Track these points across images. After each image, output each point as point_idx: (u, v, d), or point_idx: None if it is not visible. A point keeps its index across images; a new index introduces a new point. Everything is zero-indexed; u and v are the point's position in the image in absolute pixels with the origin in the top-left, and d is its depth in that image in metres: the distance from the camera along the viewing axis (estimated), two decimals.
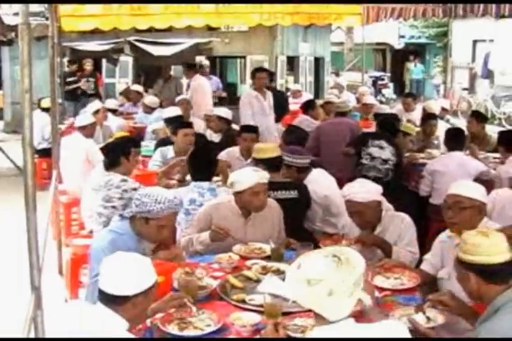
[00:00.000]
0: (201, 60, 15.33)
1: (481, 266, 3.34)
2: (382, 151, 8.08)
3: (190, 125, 8.33)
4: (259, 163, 6.18)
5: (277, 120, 11.45)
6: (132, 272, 3.24)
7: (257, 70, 10.75)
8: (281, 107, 12.13)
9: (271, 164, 6.16)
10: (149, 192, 4.50)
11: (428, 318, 3.80)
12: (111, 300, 3.22)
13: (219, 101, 14.25)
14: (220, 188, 6.12)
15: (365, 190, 5.14)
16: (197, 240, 5.21)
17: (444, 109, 11.16)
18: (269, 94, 10.65)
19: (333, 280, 2.78)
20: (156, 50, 14.76)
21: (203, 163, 6.25)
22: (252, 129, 8.28)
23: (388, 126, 8.79)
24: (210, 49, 16.79)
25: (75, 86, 15.34)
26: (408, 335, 3.00)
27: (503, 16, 13.38)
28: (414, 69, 32.61)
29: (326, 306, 2.81)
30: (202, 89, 12.71)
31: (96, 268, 4.03)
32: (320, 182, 6.64)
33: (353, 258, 2.88)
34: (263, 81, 10.48)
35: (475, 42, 26.09)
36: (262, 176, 5.27)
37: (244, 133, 8.13)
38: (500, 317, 3.22)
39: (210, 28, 14.86)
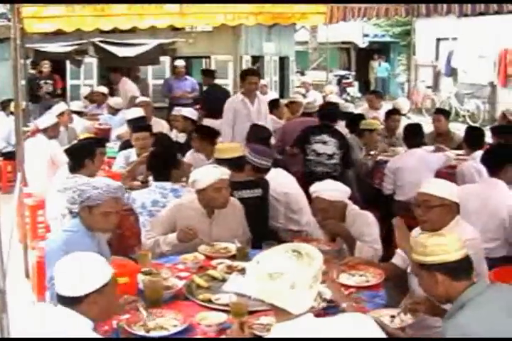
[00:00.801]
0: (178, 61, 15.22)
1: (446, 264, 3.38)
2: (326, 147, 8.19)
3: (145, 128, 8.33)
4: (221, 163, 6.19)
5: None
6: (82, 271, 3.21)
7: (248, 73, 9.82)
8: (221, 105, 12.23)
9: (233, 164, 6.11)
10: (88, 180, 4.59)
11: (395, 318, 3.86)
12: (66, 302, 3.21)
13: (194, 102, 14.17)
14: (183, 189, 6.13)
15: (334, 188, 5.19)
16: (164, 241, 5.20)
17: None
18: (261, 100, 9.80)
19: (294, 273, 2.81)
20: (120, 51, 14.67)
21: (161, 163, 6.25)
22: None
23: (328, 116, 8.80)
24: (174, 49, 16.73)
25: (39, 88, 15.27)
26: (372, 326, 3.03)
27: (466, 15, 13.51)
28: (379, 67, 32.81)
29: (289, 299, 2.83)
30: (131, 94, 12.76)
31: (50, 271, 4.05)
32: (279, 180, 6.65)
33: (311, 252, 2.92)
34: (254, 85, 9.55)
35: (438, 40, 26.27)
36: (223, 172, 5.28)
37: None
38: (466, 313, 3.26)
39: (174, 29, 14.78)
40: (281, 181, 6.66)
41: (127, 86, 13.60)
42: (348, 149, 8.44)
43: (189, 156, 7.87)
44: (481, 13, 11.42)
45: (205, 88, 14.25)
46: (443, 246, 3.39)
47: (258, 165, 6.52)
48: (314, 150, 8.19)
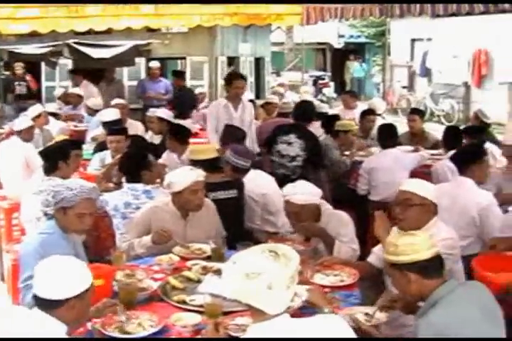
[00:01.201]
0: (153, 62, 15.20)
1: (417, 263, 3.43)
2: (290, 148, 8.03)
3: (120, 131, 8.31)
4: (195, 164, 6.21)
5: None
6: (65, 276, 3.19)
7: (234, 77, 9.41)
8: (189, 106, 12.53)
9: (208, 165, 6.17)
10: (62, 182, 4.60)
11: (370, 316, 3.89)
12: (45, 305, 3.19)
13: (168, 103, 14.19)
14: (156, 190, 6.12)
15: (305, 191, 5.18)
16: (138, 244, 5.19)
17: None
18: (246, 106, 9.36)
19: (271, 273, 2.82)
20: (95, 53, 14.63)
21: (133, 164, 6.24)
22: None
23: (302, 116, 8.72)
24: (150, 50, 16.72)
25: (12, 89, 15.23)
26: (345, 327, 3.05)
27: (438, 15, 13.57)
28: (356, 68, 32.90)
29: (266, 300, 2.84)
30: (92, 96, 12.76)
31: (26, 273, 4.05)
32: (257, 181, 6.69)
33: (288, 252, 2.93)
34: (240, 90, 9.16)
35: (413, 41, 26.38)
36: (199, 174, 5.28)
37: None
38: (437, 311, 3.31)
39: (149, 30, 14.76)
40: (259, 182, 6.69)
41: (89, 88, 13.61)
42: (316, 151, 8.26)
43: (164, 157, 7.87)
44: (453, 14, 11.48)
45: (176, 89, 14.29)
46: (413, 245, 3.44)
47: (237, 166, 6.56)
48: (278, 151, 8.06)
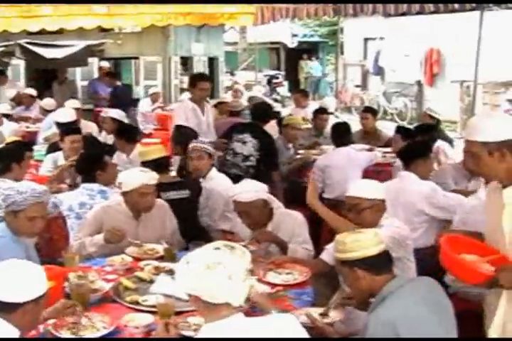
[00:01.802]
0: (103, 62, 15.12)
1: (366, 259, 3.48)
2: (244, 146, 8.03)
3: (76, 131, 8.25)
4: (145, 165, 6.21)
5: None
6: (23, 279, 3.15)
7: (200, 78, 8.93)
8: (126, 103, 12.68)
9: (157, 165, 6.16)
10: (13, 185, 4.55)
11: (325, 314, 3.92)
12: (0, 308, 3.17)
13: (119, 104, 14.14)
14: (111, 190, 6.10)
15: (249, 189, 5.18)
16: (90, 243, 5.15)
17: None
18: (209, 109, 9.12)
19: (230, 263, 2.84)
20: (47, 53, 14.47)
21: (89, 165, 6.21)
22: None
23: (259, 116, 8.58)
24: (102, 50, 16.60)
25: None
26: (299, 326, 3.06)
27: (389, 15, 13.71)
28: (312, 67, 33.03)
29: (228, 291, 2.85)
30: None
31: None
32: (221, 176, 6.84)
33: (241, 247, 2.97)
34: (205, 93, 8.82)
35: (366, 40, 26.59)
36: (150, 177, 5.25)
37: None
38: (387, 305, 3.35)
39: (102, 30, 14.67)
40: (223, 177, 6.82)
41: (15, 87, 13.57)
42: (270, 151, 8.21)
43: (115, 156, 7.86)
44: (404, 13, 11.61)
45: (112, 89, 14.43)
46: (361, 242, 3.50)
47: (211, 152, 6.80)
48: (232, 150, 8.04)
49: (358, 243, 3.49)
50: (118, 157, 7.94)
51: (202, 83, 8.65)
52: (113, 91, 14.07)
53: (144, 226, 5.38)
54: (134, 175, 5.26)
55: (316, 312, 3.96)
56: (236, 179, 5.96)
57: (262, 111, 8.67)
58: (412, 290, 3.42)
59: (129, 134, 8.21)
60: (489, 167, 3.33)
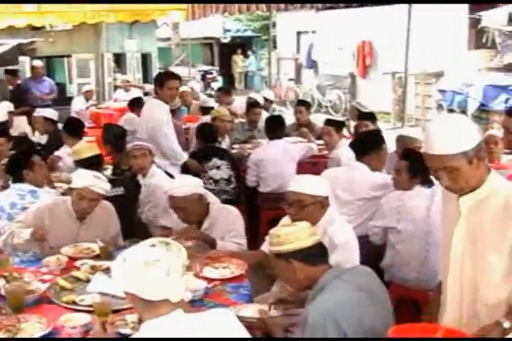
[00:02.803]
0: (35, 61, 14.86)
1: (301, 251, 3.52)
2: (219, 171, 7.90)
3: (3, 133, 8.11)
4: (78, 164, 6.17)
5: None
6: None
7: (167, 77, 7.94)
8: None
9: (90, 163, 6.15)
10: None
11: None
12: None
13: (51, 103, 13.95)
14: (42, 190, 6.03)
15: (184, 184, 5.16)
16: (18, 234, 4.99)
17: (266, 100, 11.44)
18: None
19: (168, 259, 2.82)
20: None
21: (17, 164, 6.13)
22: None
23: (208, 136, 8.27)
24: (34, 49, 16.42)
25: None
26: (237, 321, 3.07)
27: (318, 9, 13.83)
28: (247, 61, 33.09)
29: (167, 287, 2.83)
30: None
31: None
32: (161, 172, 6.83)
33: (176, 243, 2.96)
34: (175, 92, 7.98)
35: (299, 33, 26.76)
36: (98, 185, 5.10)
37: None
38: (325, 294, 3.40)
39: (33, 28, 14.49)
40: (164, 175, 6.80)
41: None
42: (238, 168, 8.23)
43: (61, 150, 7.97)
44: (331, 7, 11.75)
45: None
46: (295, 234, 3.54)
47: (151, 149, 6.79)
48: (211, 178, 7.81)
49: (292, 235, 3.53)
50: (64, 151, 7.88)
51: (171, 82, 7.69)
52: (15, 89, 13.93)
53: (86, 229, 5.29)
54: (84, 176, 5.16)
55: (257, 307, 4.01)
56: (230, 204, 5.87)
57: (209, 132, 8.32)
58: (348, 279, 3.48)
59: (74, 128, 8.20)
60: (467, 177, 3.03)
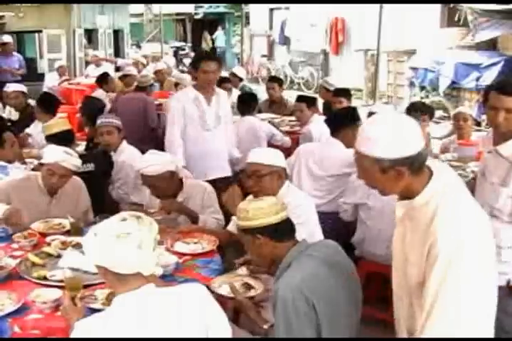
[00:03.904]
0: (4, 36, 14.67)
1: (268, 227, 3.54)
2: None
3: None
4: (49, 140, 6.15)
5: None
6: None
7: (203, 58, 6.61)
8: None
9: (61, 139, 6.13)
10: None
11: (249, 286, 4.00)
12: None
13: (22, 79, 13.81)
14: (11, 166, 6.00)
15: (156, 162, 5.14)
16: None
17: (235, 76, 11.42)
18: (220, 96, 6.83)
19: (139, 232, 2.83)
20: None
21: None
22: None
23: None
24: (3, 24, 16.24)
25: None
26: (208, 295, 3.10)
27: None
28: (218, 37, 32.94)
29: (139, 260, 2.84)
30: None
31: None
32: (131, 148, 6.83)
33: (147, 216, 2.97)
34: (212, 76, 6.53)
35: (271, 10, 26.67)
36: (68, 160, 5.10)
37: None
38: (292, 270, 3.42)
39: (0, 2, 14.35)
40: (134, 151, 6.80)
41: None
42: None
43: (32, 126, 7.95)
44: None
45: None
46: (263, 209, 3.55)
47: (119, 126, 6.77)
48: None
49: (260, 211, 3.55)
50: (35, 126, 7.84)
51: (207, 64, 6.46)
52: None
53: (56, 204, 5.28)
54: (54, 151, 5.16)
55: (238, 282, 4.04)
56: None
57: None
58: (314, 254, 3.51)
59: (48, 104, 8.15)
60: (383, 184, 2.90)
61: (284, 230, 3.60)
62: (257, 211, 3.55)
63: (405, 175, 2.80)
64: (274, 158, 4.74)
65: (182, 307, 2.93)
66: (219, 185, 6.32)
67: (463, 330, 2.68)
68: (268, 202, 3.62)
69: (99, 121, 6.81)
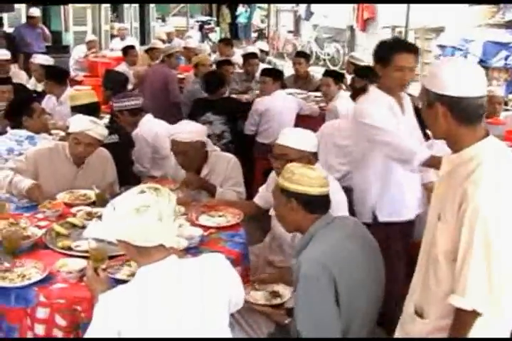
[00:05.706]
0: (32, 9, 14.58)
1: (305, 195, 3.51)
2: (212, 126, 7.81)
3: (5, 81, 8.08)
4: (75, 109, 6.16)
5: None
6: None
7: (397, 48, 4.68)
8: None
9: (88, 110, 6.07)
10: None
11: (276, 294, 3.97)
12: None
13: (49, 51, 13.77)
14: (39, 136, 6.01)
15: (189, 129, 5.17)
16: (15, 184, 4.92)
17: (262, 51, 11.37)
18: (407, 102, 5.00)
19: (159, 204, 2.82)
20: None
21: (16, 110, 6.12)
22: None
23: (211, 87, 8.22)
24: None
25: None
26: (229, 265, 3.12)
27: None
28: (242, 13, 32.70)
29: (160, 233, 2.84)
30: None
31: None
32: (152, 121, 6.82)
33: (163, 188, 2.95)
34: (408, 75, 4.67)
35: None
36: (94, 129, 5.08)
37: None
38: (314, 243, 3.43)
39: None
40: (153, 123, 6.81)
41: None
42: (236, 115, 8.21)
43: (44, 101, 7.81)
44: None
45: None
46: (309, 178, 3.51)
47: (131, 108, 6.65)
48: None
49: (306, 178, 3.50)
50: (48, 100, 7.86)
51: (402, 57, 4.64)
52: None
53: (83, 175, 5.29)
54: (80, 121, 5.15)
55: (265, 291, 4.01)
56: None
57: (210, 84, 8.23)
58: (338, 228, 3.50)
59: (58, 76, 8.15)
60: None
61: (319, 205, 3.58)
62: (302, 177, 3.51)
63: (447, 116, 2.83)
64: (306, 141, 4.55)
65: (205, 277, 2.94)
66: None
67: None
68: (317, 173, 3.58)
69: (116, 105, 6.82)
